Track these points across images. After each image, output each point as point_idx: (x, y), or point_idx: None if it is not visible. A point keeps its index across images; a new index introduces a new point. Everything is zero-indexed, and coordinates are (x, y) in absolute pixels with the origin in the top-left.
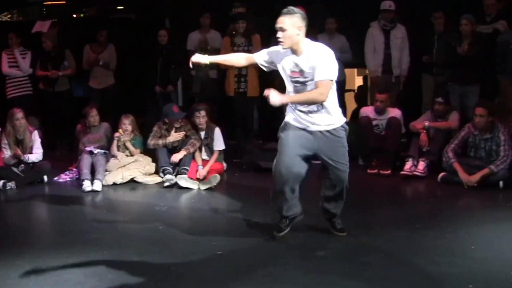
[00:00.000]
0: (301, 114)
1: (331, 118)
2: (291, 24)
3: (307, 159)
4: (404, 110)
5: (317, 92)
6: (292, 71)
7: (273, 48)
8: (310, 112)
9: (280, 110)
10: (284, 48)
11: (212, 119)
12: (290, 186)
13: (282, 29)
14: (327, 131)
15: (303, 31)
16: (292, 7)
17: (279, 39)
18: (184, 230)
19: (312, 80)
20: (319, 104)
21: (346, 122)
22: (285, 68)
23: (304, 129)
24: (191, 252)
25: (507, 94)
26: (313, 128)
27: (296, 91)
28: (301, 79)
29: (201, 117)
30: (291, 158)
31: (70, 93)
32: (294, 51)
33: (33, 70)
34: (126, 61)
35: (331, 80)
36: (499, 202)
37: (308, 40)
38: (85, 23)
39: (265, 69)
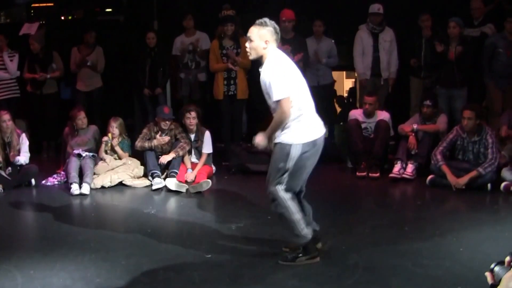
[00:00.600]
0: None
1: (286, 133)
2: (259, 36)
3: None
4: (392, 113)
5: (278, 114)
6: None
7: None
8: None
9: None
10: (251, 59)
11: (201, 122)
12: None
13: (250, 39)
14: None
15: (270, 45)
16: (266, 19)
17: (247, 49)
18: (173, 233)
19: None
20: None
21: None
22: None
23: None
24: (180, 255)
25: (493, 97)
26: None
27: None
28: (266, 95)
29: (192, 118)
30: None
31: (57, 95)
32: (259, 64)
33: (20, 72)
34: (114, 63)
35: (286, 98)
36: (487, 204)
37: (274, 55)
38: (72, 25)
39: None
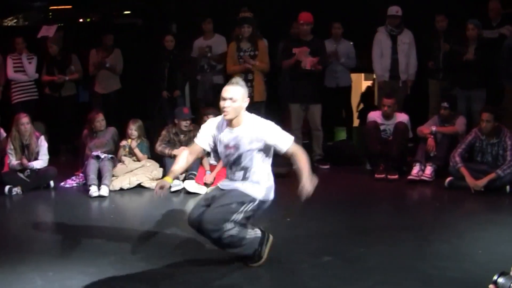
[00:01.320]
0: (225, 181)
1: (253, 189)
2: (242, 96)
3: None
4: (411, 115)
5: (300, 153)
6: (227, 146)
7: (209, 124)
8: (235, 181)
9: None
10: (226, 119)
11: None
12: None
13: (233, 100)
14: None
15: (244, 105)
16: (238, 79)
17: (225, 109)
18: (191, 235)
19: (247, 151)
20: (247, 172)
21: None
22: (222, 141)
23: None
24: (198, 258)
25: (511, 99)
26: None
27: (228, 164)
28: (234, 154)
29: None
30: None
31: (75, 98)
32: (230, 124)
33: (38, 75)
34: (132, 66)
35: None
36: (506, 206)
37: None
38: (90, 28)
39: (210, 150)
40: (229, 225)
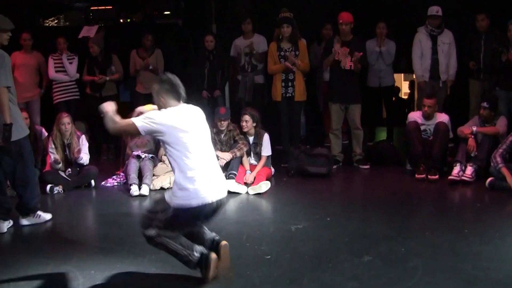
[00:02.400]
0: None
1: (168, 194)
2: (156, 92)
3: None
4: (451, 115)
5: (113, 120)
6: None
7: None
8: None
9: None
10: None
11: (260, 124)
12: None
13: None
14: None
15: (165, 103)
16: (165, 77)
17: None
18: (232, 234)
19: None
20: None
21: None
22: None
23: None
24: (239, 256)
25: None
26: None
27: None
28: None
29: (245, 122)
30: None
31: (117, 98)
32: None
33: (79, 75)
34: (172, 66)
35: (132, 123)
36: None
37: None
38: (131, 28)
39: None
40: (151, 232)
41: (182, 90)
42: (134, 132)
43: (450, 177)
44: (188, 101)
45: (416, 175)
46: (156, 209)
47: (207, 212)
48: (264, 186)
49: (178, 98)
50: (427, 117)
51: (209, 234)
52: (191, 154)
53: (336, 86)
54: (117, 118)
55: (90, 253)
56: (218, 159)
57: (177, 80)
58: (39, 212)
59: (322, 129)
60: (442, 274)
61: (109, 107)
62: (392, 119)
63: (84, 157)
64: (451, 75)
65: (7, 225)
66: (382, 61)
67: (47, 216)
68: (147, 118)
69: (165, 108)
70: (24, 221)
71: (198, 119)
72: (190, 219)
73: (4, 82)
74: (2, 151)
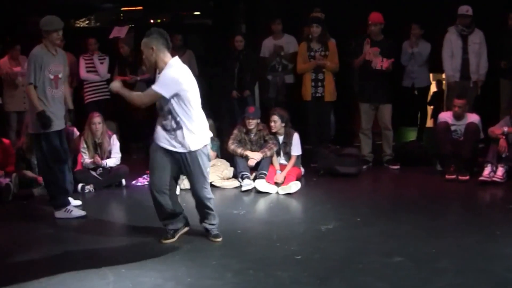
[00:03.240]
0: (163, 132)
1: (189, 139)
2: (145, 45)
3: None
4: (482, 115)
5: (139, 95)
6: None
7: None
8: (169, 130)
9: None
10: (144, 69)
11: (290, 124)
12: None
13: (142, 51)
14: (186, 153)
15: (156, 50)
16: (152, 29)
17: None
18: (262, 234)
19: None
20: (177, 123)
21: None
22: None
23: (168, 150)
24: (269, 256)
25: None
26: (173, 149)
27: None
28: None
29: (273, 122)
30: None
31: None
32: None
33: (110, 75)
34: (202, 66)
35: (156, 92)
36: None
37: (172, 59)
38: (161, 28)
39: None
40: None
41: (169, 39)
42: (160, 98)
43: (480, 178)
44: (218, 101)
45: (446, 176)
46: None
47: None
48: (294, 186)
49: (167, 45)
50: (458, 117)
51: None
52: (193, 109)
53: (366, 86)
54: (137, 93)
55: (120, 251)
56: (248, 159)
57: (162, 30)
58: (70, 207)
59: (352, 129)
60: (473, 276)
61: (117, 85)
62: (423, 120)
63: (110, 161)
64: (482, 75)
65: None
66: (414, 62)
67: (79, 213)
68: (166, 83)
69: (155, 58)
70: (57, 214)
71: (192, 76)
72: None
73: (28, 79)
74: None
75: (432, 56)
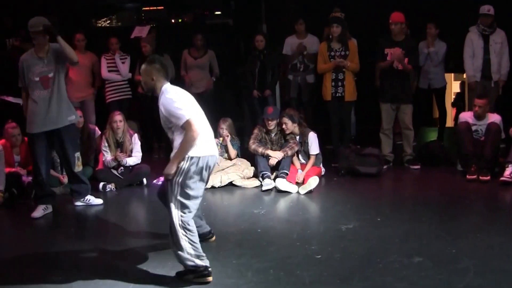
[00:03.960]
0: None
1: None
2: (145, 72)
3: None
4: (503, 115)
5: (186, 137)
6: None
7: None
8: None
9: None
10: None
11: (305, 123)
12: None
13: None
14: None
15: (156, 81)
16: (154, 57)
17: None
18: (283, 233)
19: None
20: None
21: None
22: None
23: None
24: (289, 255)
25: None
26: None
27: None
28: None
29: (284, 124)
30: None
31: None
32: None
33: (132, 74)
34: (223, 66)
35: (187, 118)
36: None
37: (167, 85)
38: (182, 28)
39: None
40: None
41: (170, 71)
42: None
43: (502, 178)
44: (239, 100)
45: (467, 176)
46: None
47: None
48: (313, 181)
49: (167, 77)
50: (479, 117)
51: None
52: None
53: (387, 86)
54: (182, 143)
55: (141, 250)
56: (269, 158)
57: (165, 61)
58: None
59: (372, 129)
60: (494, 276)
61: (170, 170)
62: (443, 120)
63: (131, 160)
64: (503, 75)
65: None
66: (430, 62)
67: (98, 200)
68: (182, 107)
69: (153, 86)
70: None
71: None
72: None
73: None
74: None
75: (451, 57)
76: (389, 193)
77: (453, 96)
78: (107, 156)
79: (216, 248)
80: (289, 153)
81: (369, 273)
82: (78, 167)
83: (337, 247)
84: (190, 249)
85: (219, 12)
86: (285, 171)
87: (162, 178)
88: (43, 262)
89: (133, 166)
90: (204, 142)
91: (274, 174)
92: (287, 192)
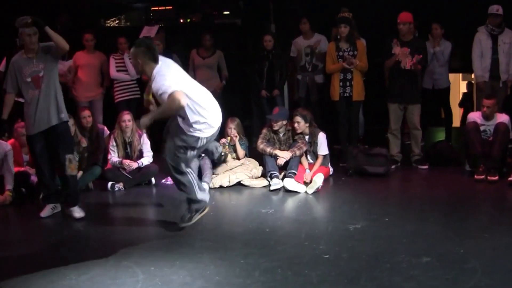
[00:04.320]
0: None
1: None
2: (132, 54)
3: None
4: None
5: (167, 103)
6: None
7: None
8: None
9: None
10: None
11: (315, 124)
12: None
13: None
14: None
15: (143, 63)
16: (141, 41)
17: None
18: (291, 233)
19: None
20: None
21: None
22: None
23: None
24: (297, 255)
25: None
26: None
27: None
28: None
29: (296, 123)
30: None
31: None
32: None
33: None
34: (232, 66)
35: (174, 91)
36: None
37: (157, 66)
38: (190, 28)
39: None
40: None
41: (156, 52)
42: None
43: (510, 178)
44: (247, 100)
45: (475, 176)
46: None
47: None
48: (318, 179)
49: (154, 59)
50: (487, 117)
51: None
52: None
53: (395, 86)
54: (162, 106)
55: (150, 250)
56: (277, 158)
57: (152, 44)
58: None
59: (381, 129)
60: (501, 277)
61: (144, 120)
62: (449, 120)
63: (145, 160)
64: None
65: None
66: (436, 62)
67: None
68: (170, 84)
69: (142, 68)
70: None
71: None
72: None
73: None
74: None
75: (457, 57)
76: (397, 193)
77: (461, 96)
78: (114, 156)
79: (223, 248)
80: (297, 153)
81: (377, 273)
82: (71, 171)
83: (345, 246)
84: None
85: (227, 12)
86: (293, 171)
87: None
88: (51, 261)
89: (141, 166)
90: (209, 120)
91: (282, 174)
92: (295, 192)
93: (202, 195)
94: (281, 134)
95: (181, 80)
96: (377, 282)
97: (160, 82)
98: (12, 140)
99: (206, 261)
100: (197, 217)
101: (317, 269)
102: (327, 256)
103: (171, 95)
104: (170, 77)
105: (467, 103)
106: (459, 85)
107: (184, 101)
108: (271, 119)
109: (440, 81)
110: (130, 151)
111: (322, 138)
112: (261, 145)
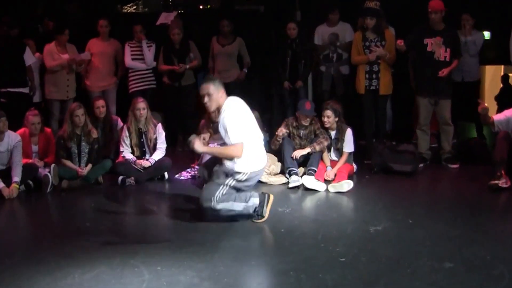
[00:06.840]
0: None
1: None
2: (215, 88)
3: None
4: None
5: (231, 149)
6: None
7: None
8: None
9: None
10: (211, 112)
11: (343, 119)
12: None
13: (209, 94)
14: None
15: (222, 93)
16: (211, 76)
17: (206, 103)
18: (307, 234)
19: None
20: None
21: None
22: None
23: None
24: (313, 257)
25: None
26: None
27: None
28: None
29: (326, 117)
30: None
31: (195, 87)
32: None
33: (156, 63)
34: (253, 55)
35: (238, 144)
36: None
37: (228, 102)
38: (210, 15)
39: None
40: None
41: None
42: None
43: None
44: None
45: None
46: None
47: None
48: (346, 185)
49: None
50: None
51: None
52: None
53: (426, 79)
54: (223, 149)
55: (157, 249)
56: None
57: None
58: None
59: (411, 124)
60: None
61: (198, 149)
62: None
63: (156, 155)
64: None
65: None
66: (467, 52)
67: None
68: (238, 130)
69: (221, 101)
70: None
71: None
72: None
73: None
74: None
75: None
76: (423, 193)
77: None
78: (126, 148)
79: (235, 248)
80: (317, 148)
81: (396, 278)
82: None
83: (364, 249)
84: None
85: None
86: (314, 167)
87: (184, 173)
88: (57, 257)
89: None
90: (255, 159)
91: (302, 170)
92: (314, 190)
93: (245, 204)
94: (302, 130)
95: (245, 129)
96: (396, 286)
97: (229, 124)
98: (22, 129)
99: (216, 261)
100: (265, 210)
101: (332, 272)
102: (343, 259)
103: (235, 146)
104: (239, 123)
105: (504, 99)
106: (496, 78)
107: (241, 154)
108: (305, 114)
109: (470, 73)
110: (146, 140)
111: (349, 134)
112: (272, 145)
